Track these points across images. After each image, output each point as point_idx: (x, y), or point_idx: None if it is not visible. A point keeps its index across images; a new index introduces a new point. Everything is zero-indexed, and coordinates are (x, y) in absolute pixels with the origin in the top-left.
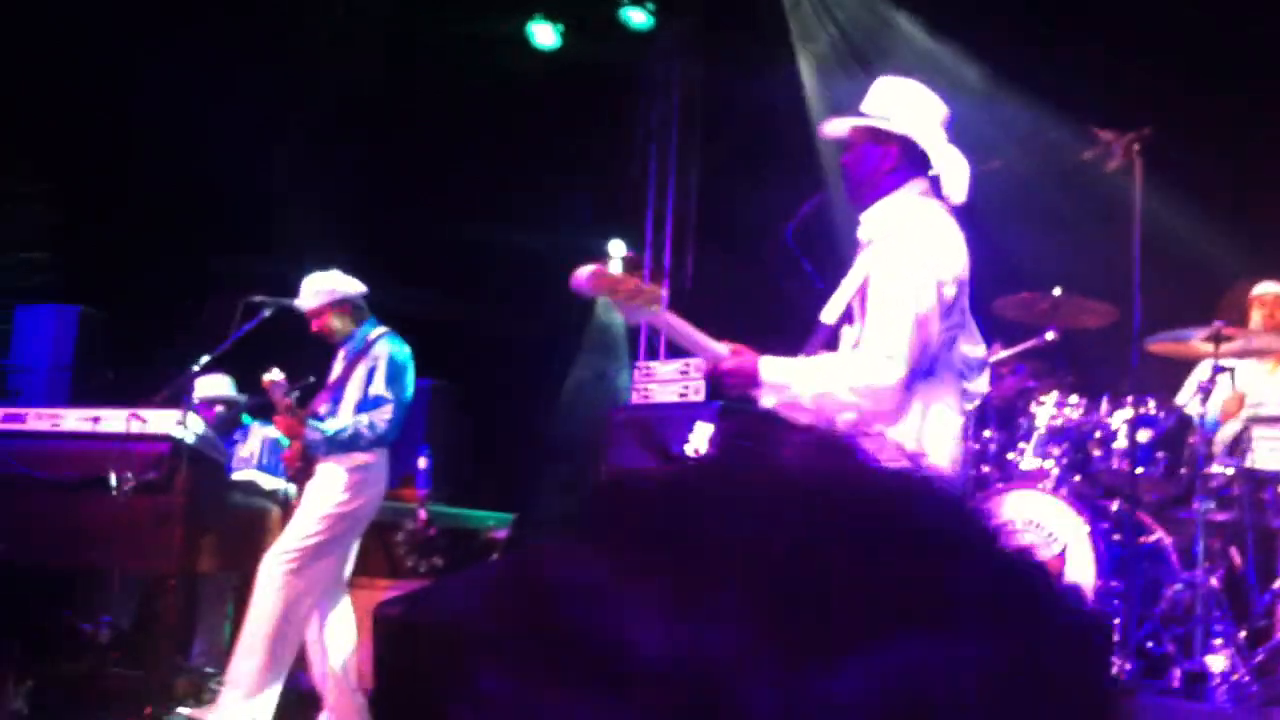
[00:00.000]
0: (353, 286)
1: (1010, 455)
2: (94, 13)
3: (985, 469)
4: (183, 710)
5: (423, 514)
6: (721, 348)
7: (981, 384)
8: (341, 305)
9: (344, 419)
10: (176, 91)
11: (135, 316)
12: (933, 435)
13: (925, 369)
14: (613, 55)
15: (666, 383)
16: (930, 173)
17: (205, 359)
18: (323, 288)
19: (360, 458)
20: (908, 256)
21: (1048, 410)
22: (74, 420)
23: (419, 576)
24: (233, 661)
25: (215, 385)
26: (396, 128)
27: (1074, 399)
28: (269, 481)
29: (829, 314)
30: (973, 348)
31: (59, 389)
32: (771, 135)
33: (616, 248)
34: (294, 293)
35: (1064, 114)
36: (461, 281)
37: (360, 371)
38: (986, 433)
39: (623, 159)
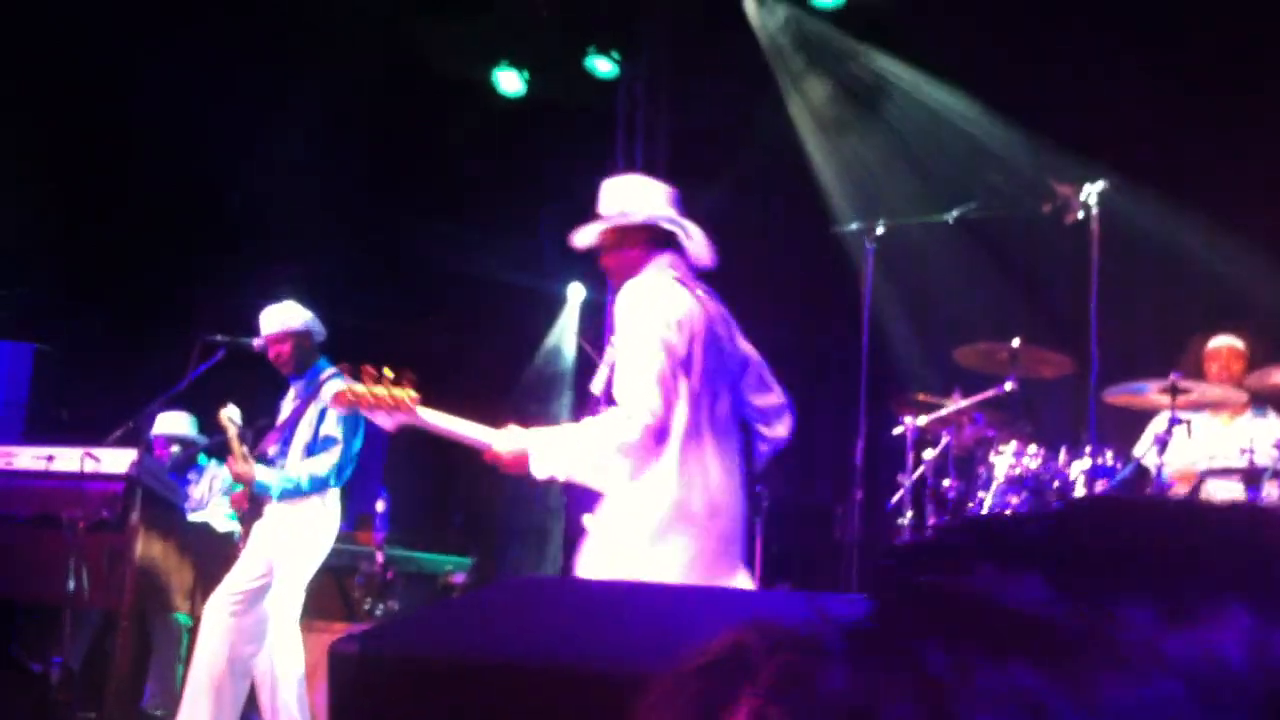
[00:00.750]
0: (315, 323)
1: (969, 504)
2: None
3: (944, 518)
4: None
5: (380, 557)
6: (489, 434)
7: (780, 429)
8: (303, 338)
9: (291, 465)
10: (162, 110)
11: (90, 355)
12: (693, 480)
13: (684, 422)
14: (579, 101)
15: None
16: (676, 246)
17: (161, 398)
18: (288, 316)
19: (309, 500)
20: (637, 331)
21: (1006, 459)
22: (28, 458)
23: (376, 620)
24: (182, 705)
25: (174, 423)
26: (367, 163)
27: (1032, 449)
28: (223, 523)
29: (596, 385)
30: (763, 397)
31: (12, 427)
32: (739, 178)
33: (575, 291)
34: (255, 327)
35: (1023, 167)
36: (424, 320)
37: (311, 412)
38: (945, 481)
39: (590, 202)
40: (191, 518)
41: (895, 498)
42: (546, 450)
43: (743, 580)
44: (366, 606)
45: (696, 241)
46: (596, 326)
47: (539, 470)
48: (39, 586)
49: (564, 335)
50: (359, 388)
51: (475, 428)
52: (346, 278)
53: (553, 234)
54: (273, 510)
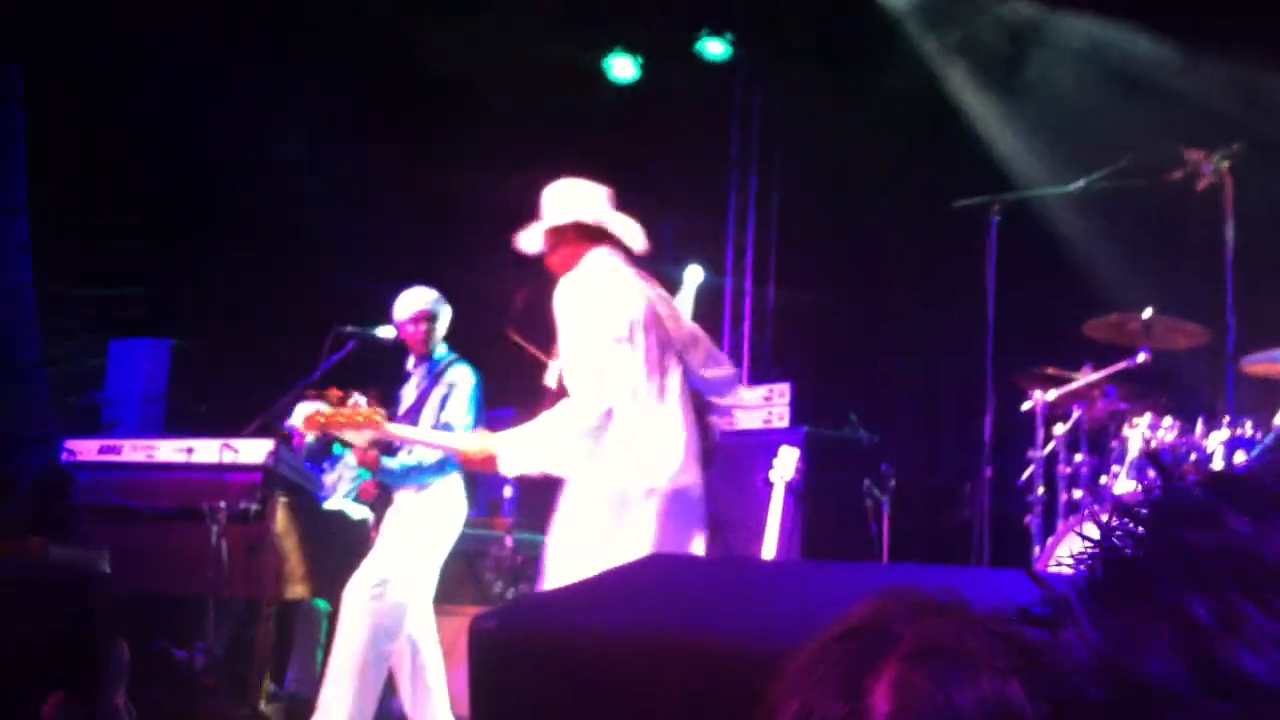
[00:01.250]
0: (447, 309)
1: (1103, 479)
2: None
3: (1077, 493)
4: None
5: (509, 541)
6: (455, 440)
7: (731, 398)
8: (435, 321)
9: (416, 452)
10: (262, 125)
11: (226, 348)
12: (649, 451)
13: (633, 398)
14: (690, 86)
15: (750, 409)
16: (613, 238)
17: (295, 389)
18: (424, 299)
19: (436, 485)
20: (578, 322)
21: (1141, 433)
22: (168, 451)
23: (487, 616)
24: (323, 689)
25: (308, 413)
26: (472, 157)
27: (1168, 421)
28: (357, 510)
29: (549, 379)
30: (712, 369)
31: (153, 421)
32: (851, 162)
33: (692, 274)
34: (377, 317)
35: (1153, 133)
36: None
37: (434, 398)
38: (1078, 456)
39: (701, 189)
40: (327, 505)
41: (1025, 474)
42: (512, 448)
43: (699, 544)
44: (497, 590)
45: (628, 232)
46: (714, 312)
47: (507, 468)
48: (182, 577)
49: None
50: (327, 410)
51: (441, 435)
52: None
53: (669, 217)
54: (402, 497)
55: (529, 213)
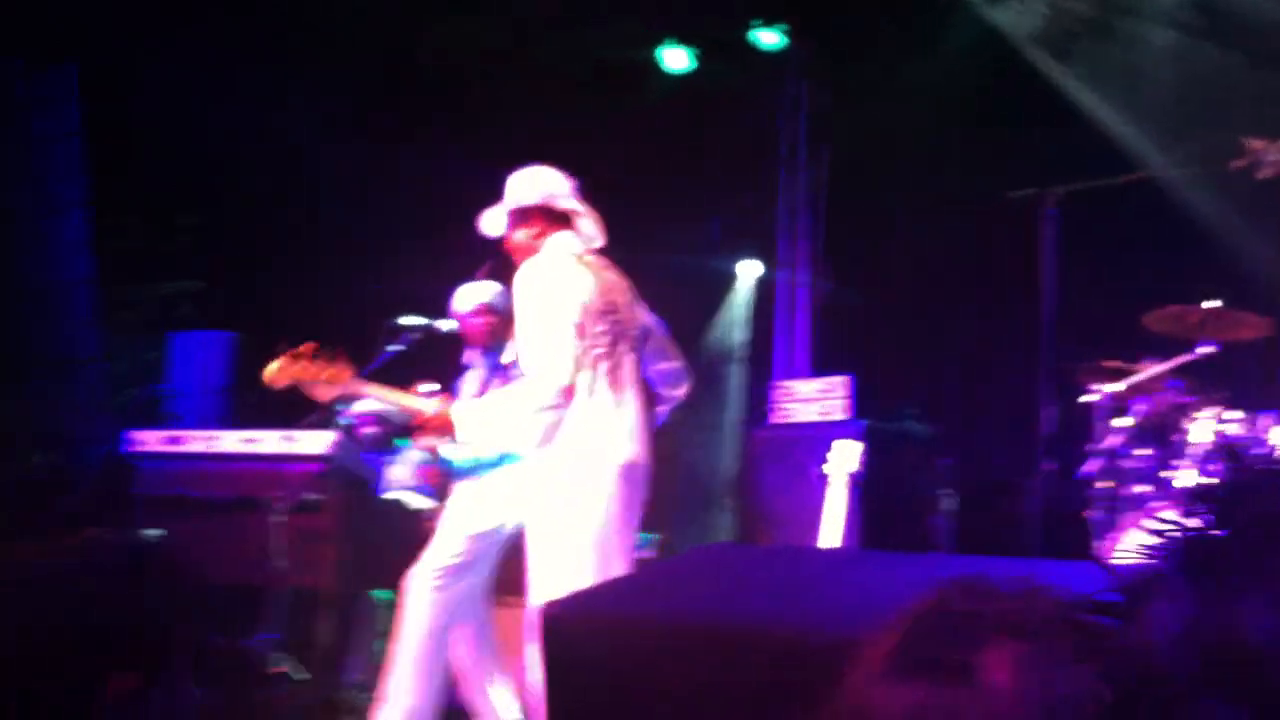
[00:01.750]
0: (509, 301)
1: (1164, 473)
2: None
3: (1139, 488)
4: None
5: None
6: (418, 403)
7: (679, 391)
8: (499, 316)
9: (475, 444)
10: (319, 119)
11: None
12: (601, 435)
13: (587, 382)
14: (741, 77)
15: (806, 401)
16: (573, 226)
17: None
18: (487, 292)
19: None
20: (536, 305)
21: (1203, 426)
22: (230, 442)
23: (558, 598)
24: (388, 679)
25: (367, 404)
26: (523, 150)
27: (1231, 414)
28: (417, 501)
29: (506, 357)
30: (663, 362)
31: (214, 411)
32: (902, 157)
33: (746, 269)
34: (434, 310)
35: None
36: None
37: (496, 389)
38: (1139, 450)
39: (753, 181)
40: (385, 496)
41: (1086, 468)
42: (470, 418)
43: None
44: None
45: (589, 222)
46: (768, 305)
47: (463, 436)
48: (243, 566)
49: (736, 313)
50: (297, 364)
51: (405, 397)
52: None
53: (721, 210)
54: (462, 487)
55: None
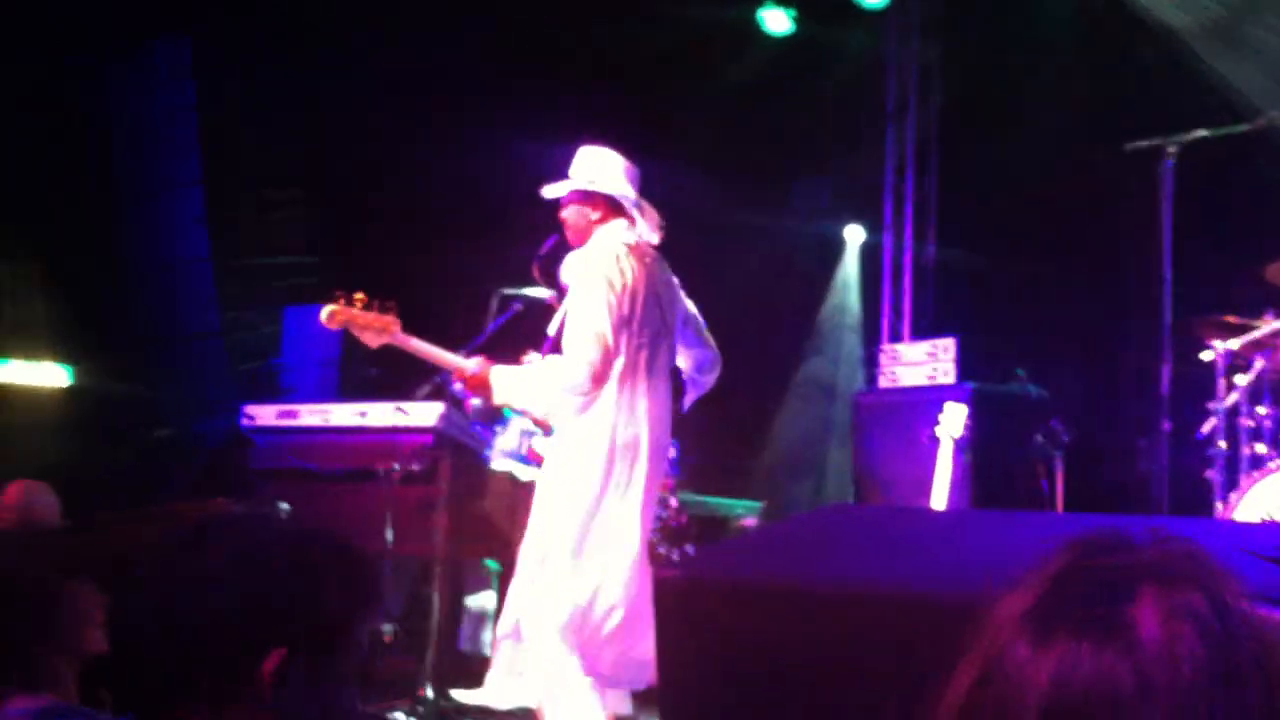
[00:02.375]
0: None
1: None
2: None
3: (1260, 447)
4: (454, 693)
5: (674, 502)
6: (466, 361)
7: (710, 378)
8: None
9: None
10: (422, 94)
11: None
12: (630, 418)
13: (623, 368)
14: (846, 37)
15: (913, 365)
16: (628, 216)
17: (462, 352)
18: None
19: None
20: (586, 290)
21: None
22: (343, 415)
23: (672, 564)
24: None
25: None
26: (625, 115)
27: None
28: (525, 472)
29: (551, 328)
30: (698, 350)
31: (327, 385)
32: (1012, 112)
33: (853, 233)
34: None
35: None
36: (699, 270)
37: None
38: (1261, 409)
39: (858, 143)
40: (494, 467)
41: (1206, 427)
42: (508, 382)
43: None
44: (662, 550)
45: (648, 218)
46: (875, 270)
47: (499, 397)
48: (357, 537)
49: (847, 281)
50: (351, 309)
51: (447, 355)
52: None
53: (825, 173)
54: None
55: (684, 176)
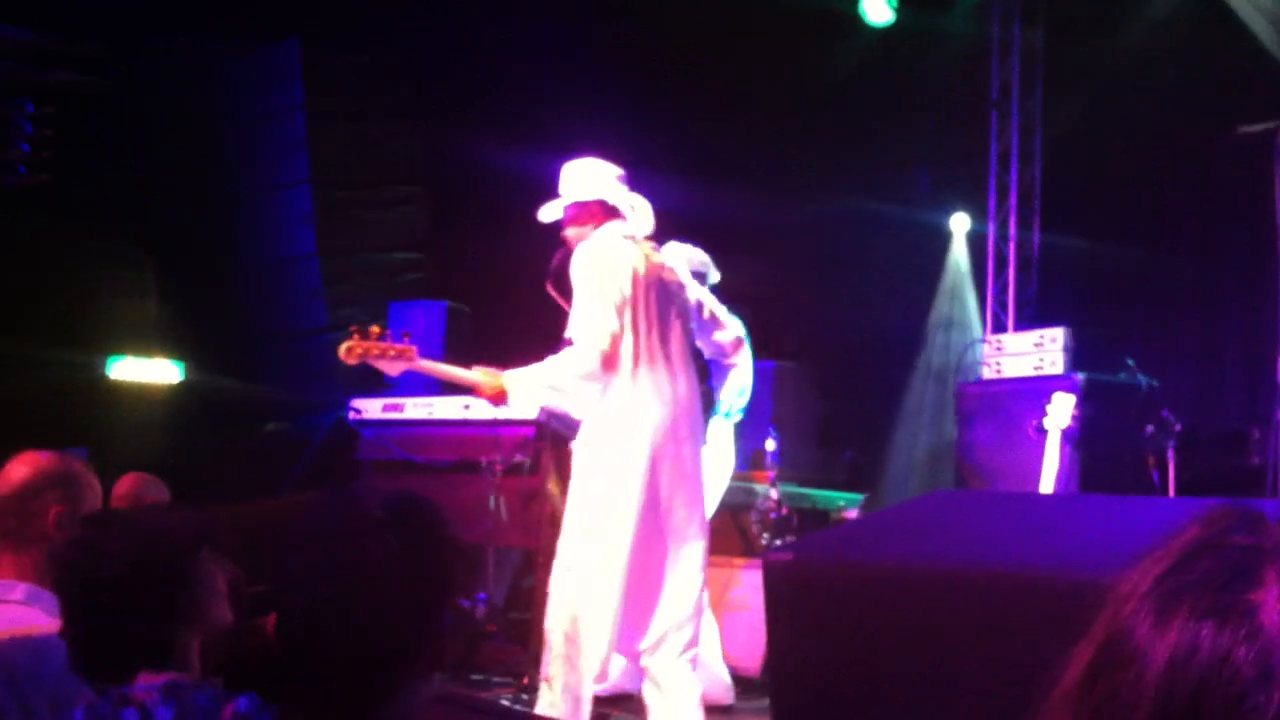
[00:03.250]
0: (709, 264)
1: None
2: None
3: None
4: None
5: (774, 494)
6: (477, 375)
7: (737, 358)
8: (699, 278)
9: None
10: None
11: (496, 310)
12: (623, 401)
13: (635, 352)
14: (948, 24)
15: (1019, 355)
16: (623, 217)
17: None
18: (687, 254)
19: (713, 431)
20: (585, 280)
21: None
22: (447, 408)
23: (778, 550)
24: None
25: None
26: (731, 107)
27: None
28: None
29: (569, 331)
30: (718, 333)
31: (432, 379)
32: (1118, 96)
33: (958, 222)
34: None
35: None
36: (798, 259)
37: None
38: None
39: (961, 132)
40: None
41: None
42: (520, 384)
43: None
44: (763, 542)
45: (641, 214)
46: (979, 259)
47: (516, 401)
48: (462, 528)
49: (957, 272)
50: (367, 342)
51: (460, 371)
52: (704, 221)
53: (928, 162)
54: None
55: (789, 163)
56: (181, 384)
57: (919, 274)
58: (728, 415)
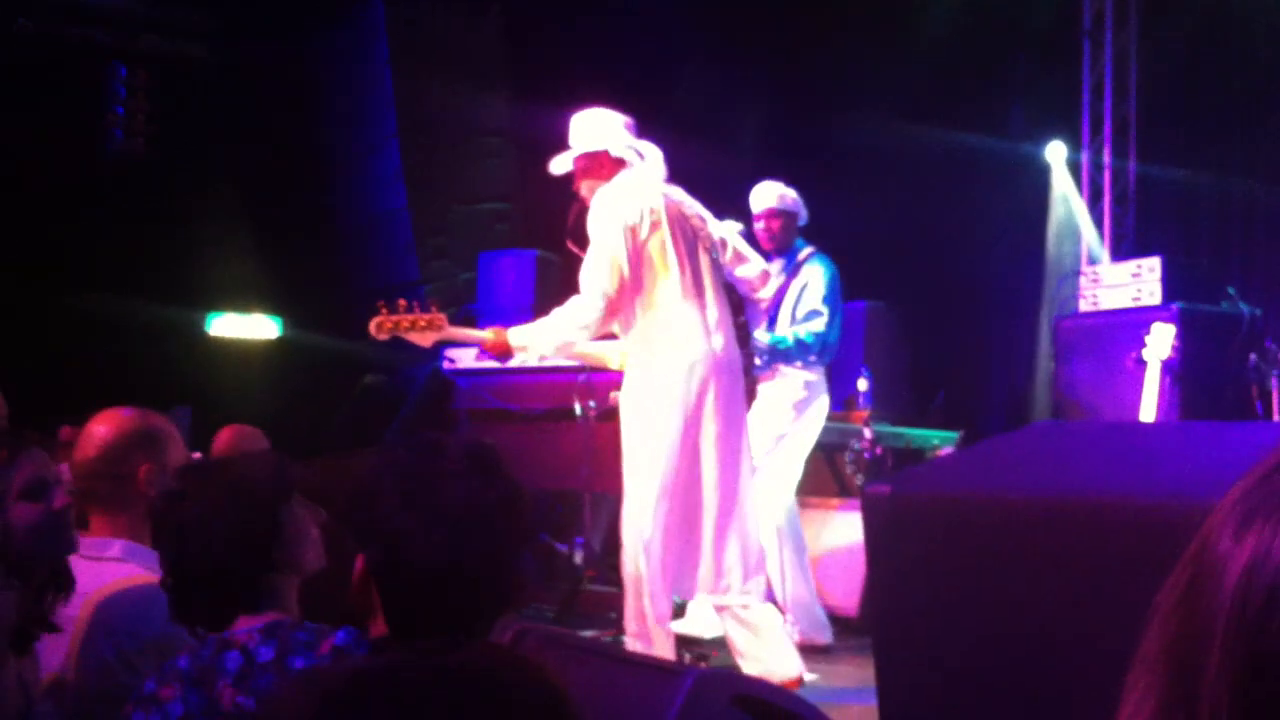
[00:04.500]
0: (802, 205)
1: None
2: None
3: None
4: None
5: (868, 433)
6: (483, 333)
7: (766, 291)
8: (792, 217)
9: (783, 331)
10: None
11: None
12: (659, 337)
13: (663, 293)
14: None
15: (1116, 287)
16: (631, 163)
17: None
18: (782, 194)
19: (802, 376)
20: (598, 225)
21: None
22: None
23: (877, 483)
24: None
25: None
26: (810, 43)
27: None
28: None
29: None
30: (742, 268)
31: None
32: (1214, 28)
33: (1055, 151)
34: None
35: None
36: (892, 197)
37: (792, 291)
38: None
39: (1054, 61)
40: None
41: None
42: (524, 339)
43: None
44: (859, 483)
45: (652, 160)
46: (1075, 187)
47: (521, 355)
48: (558, 474)
49: (1066, 206)
50: (396, 315)
51: (472, 333)
52: (768, 158)
53: (1020, 93)
54: (768, 390)
55: (879, 101)
56: (280, 339)
57: (1017, 211)
58: (791, 341)
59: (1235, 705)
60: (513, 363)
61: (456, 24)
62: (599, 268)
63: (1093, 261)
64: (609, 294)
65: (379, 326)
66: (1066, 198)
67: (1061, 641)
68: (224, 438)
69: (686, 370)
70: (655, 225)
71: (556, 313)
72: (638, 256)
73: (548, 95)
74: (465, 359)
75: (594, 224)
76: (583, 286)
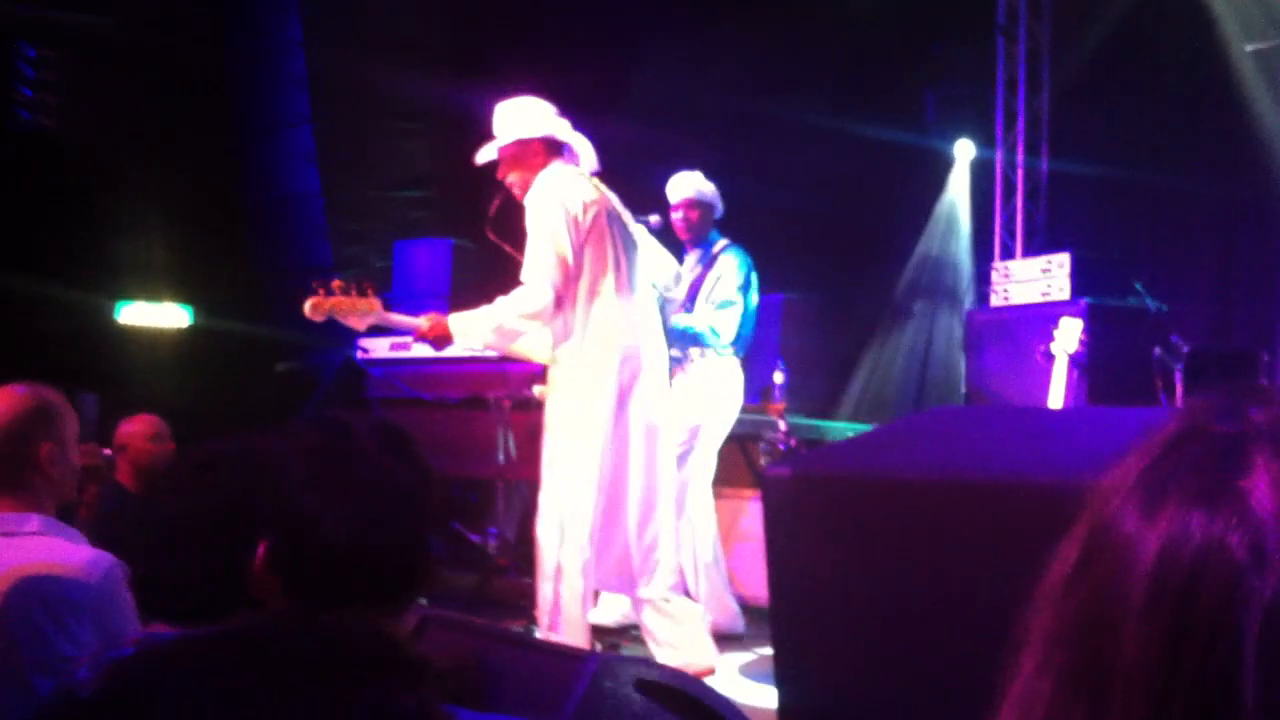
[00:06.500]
0: (717, 196)
1: None
2: None
3: None
4: None
5: (783, 425)
6: (419, 320)
7: (678, 292)
8: (709, 208)
9: (697, 319)
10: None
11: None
12: (595, 330)
13: (592, 287)
14: None
15: (1027, 282)
16: (566, 155)
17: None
18: (699, 184)
19: (716, 366)
20: (537, 216)
21: None
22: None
23: (778, 463)
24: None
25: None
26: (748, 30)
27: None
28: None
29: (523, 271)
30: (657, 266)
31: None
32: (1129, 26)
33: (963, 149)
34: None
35: None
36: (803, 189)
37: (708, 282)
38: None
39: (967, 56)
40: None
41: None
42: (463, 326)
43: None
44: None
45: (584, 150)
46: (986, 188)
47: (460, 342)
48: (473, 463)
49: (957, 202)
50: (333, 297)
51: (409, 319)
52: (705, 152)
53: (932, 86)
54: (683, 380)
55: (792, 92)
56: (191, 327)
57: (924, 203)
58: (705, 329)
59: (1152, 681)
60: (448, 351)
61: (369, 5)
62: (544, 258)
63: (1007, 257)
64: (556, 284)
65: (315, 307)
66: (956, 196)
67: (955, 619)
68: (149, 422)
69: (620, 363)
70: (596, 218)
71: (500, 301)
72: (581, 248)
73: (464, 80)
74: (378, 348)
75: (534, 214)
76: (527, 277)
